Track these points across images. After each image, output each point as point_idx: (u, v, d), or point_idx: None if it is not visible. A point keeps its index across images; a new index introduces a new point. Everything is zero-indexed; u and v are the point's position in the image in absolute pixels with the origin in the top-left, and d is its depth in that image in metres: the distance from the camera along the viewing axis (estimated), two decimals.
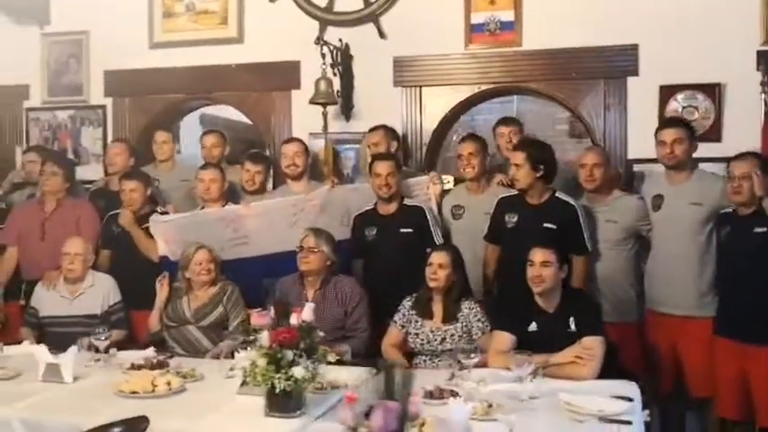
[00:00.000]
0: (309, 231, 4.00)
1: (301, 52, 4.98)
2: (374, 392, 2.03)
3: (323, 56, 4.51)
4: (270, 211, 4.46)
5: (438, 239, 4.20)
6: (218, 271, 4.16)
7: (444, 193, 4.47)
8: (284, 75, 5.10)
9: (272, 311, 2.73)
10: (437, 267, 3.64)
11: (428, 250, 4.02)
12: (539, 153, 3.93)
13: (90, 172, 5.34)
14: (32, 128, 5.59)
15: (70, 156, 5.48)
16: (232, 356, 3.37)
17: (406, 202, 4.28)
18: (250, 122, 5.54)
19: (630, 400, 2.85)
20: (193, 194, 5.00)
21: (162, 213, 4.59)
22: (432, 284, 3.66)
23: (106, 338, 3.47)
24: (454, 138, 5.25)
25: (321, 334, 2.71)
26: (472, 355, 3.09)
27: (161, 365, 3.36)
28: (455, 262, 3.68)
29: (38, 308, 4.29)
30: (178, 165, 5.20)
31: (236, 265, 4.34)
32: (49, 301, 4.26)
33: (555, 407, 2.71)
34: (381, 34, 4.90)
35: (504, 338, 3.41)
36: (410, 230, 4.18)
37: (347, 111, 4.93)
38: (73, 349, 3.23)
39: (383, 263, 4.15)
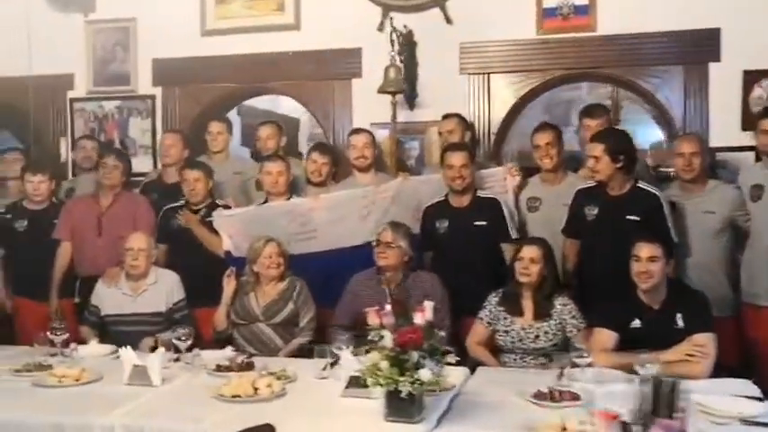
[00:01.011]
0: (387, 225, 3.93)
1: (362, 39, 4.91)
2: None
3: (391, 42, 4.39)
4: (339, 203, 4.41)
5: (513, 233, 4.15)
6: (288, 265, 4.09)
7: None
8: (344, 62, 5.05)
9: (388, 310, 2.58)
10: (529, 262, 3.56)
11: (501, 245, 4.06)
12: (618, 143, 3.87)
13: (138, 164, 5.19)
14: (77, 119, 5.52)
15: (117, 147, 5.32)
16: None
17: (480, 193, 4.22)
18: (290, 115, 5.43)
19: (761, 399, 2.72)
20: (248, 187, 4.91)
21: (223, 207, 4.53)
22: (523, 280, 3.57)
23: (187, 338, 3.33)
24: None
25: (441, 334, 2.57)
26: (585, 354, 2.95)
27: (248, 367, 3.23)
28: (547, 256, 3.60)
29: (98, 306, 4.21)
30: (231, 156, 5.05)
31: (302, 260, 4.25)
32: (111, 298, 4.20)
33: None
34: (448, 20, 4.80)
35: (607, 336, 3.35)
36: (484, 223, 4.12)
37: (411, 100, 4.81)
38: (160, 351, 3.11)
39: (455, 256, 4.09)
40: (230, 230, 4.45)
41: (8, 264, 4.71)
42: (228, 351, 3.61)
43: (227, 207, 4.54)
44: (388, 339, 2.47)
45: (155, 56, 5.35)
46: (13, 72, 5.53)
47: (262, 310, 4.04)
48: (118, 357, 3.58)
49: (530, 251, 3.56)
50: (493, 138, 4.80)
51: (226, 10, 5.19)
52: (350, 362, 2.91)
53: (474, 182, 4.19)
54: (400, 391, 2.46)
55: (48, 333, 3.52)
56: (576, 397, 2.74)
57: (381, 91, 4.56)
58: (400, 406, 2.50)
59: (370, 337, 2.59)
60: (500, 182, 4.27)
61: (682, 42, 4.48)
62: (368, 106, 4.88)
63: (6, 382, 3.15)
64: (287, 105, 6.79)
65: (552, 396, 2.75)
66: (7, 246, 4.68)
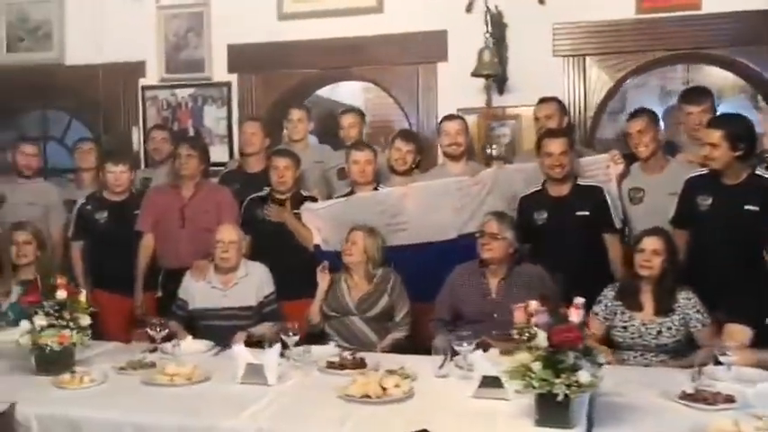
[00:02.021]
0: (492, 216, 3.85)
1: (448, 21, 4.77)
2: None
3: (486, 23, 4.22)
4: (432, 194, 4.36)
5: (618, 223, 4.06)
6: (381, 255, 4.02)
7: None
8: (429, 46, 4.94)
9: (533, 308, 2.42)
10: (651, 254, 3.45)
11: (605, 235, 3.94)
12: (738, 130, 3.71)
13: (214, 154, 5.12)
14: (150, 107, 5.50)
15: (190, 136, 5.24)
16: None
17: (581, 182, 4.12)
18: (348, 103, 5.30)
19: None
20: (329, 177, 4.80)
21: (309, 199, 4.49)
22: (644, 273, 3.45)
23: (295, 333, 3.22)
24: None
25: (591, 332, 2.41)
26: (728, 353, 2.78)
27: (361, 364, 3.12)
28: (669, 248, 3.40)
29: (187, 299, 4.16)
30: (311, 145, 4.93)
31: (392, 252, 4.16)
32: (200, 292, 4.17)
33: None
34: (541, 0, 4.56)
35: (742, 332, 3.16)
36: (586, 213, 4.02)
37: (501, 83, 4.68)
38: (276, 348, 2.98)
39: (555, 248, 3.96)
40: (318, 224, 4.42)
41: (88, 256, 4.64)
42: (332, 347, 3.50)
43: (313, 199, 4.49)
44: (542, 339, 2.32)
45: (229, 41, 5.29)
46: (84, 60, 5.50)
47: (355, 303, 3.99)
48: (216, 354, 3.54)
49: (652, 242, 3.44)
50: (589, 122, 4.60)
51: None
52: (481, 361, 2.75)
53: (573, 170, 4.06)
54: (555, 395, 2.31)
55: (147, 329, 3.44)
56: (730, 399, 2.59)
57: (475, 74, 4.46)
58: (554, 411, 2.38)
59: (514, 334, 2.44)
60: (603, 170, 4.15)
61: None
62: (454, 91, 4.81)
63: (112, 380, 3.08)
64: (344, 93, 6.68)
65: (704, 398, 2.59)
66: (88, 238, 4.64)
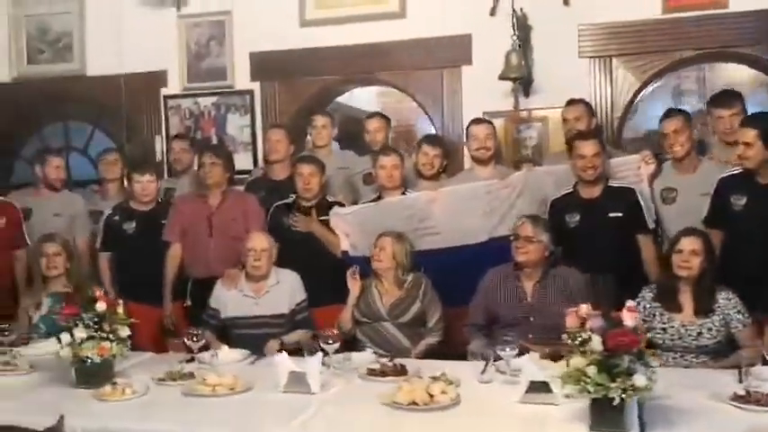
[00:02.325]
0: (526, 219, 3.85)
1: (472, 25, 4.76)
2: None
3: (513, 26, 4.21)
4: (461, 198, 4.36)
5: (650, 224, 4.04)
6: (410, 261, 4.01)
7: None
8: (454, 50, 4.93)
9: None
10: (689, 254, 3.44)
11: (638, 236, 3.92)
12: None
13: (238, 162, 5.07)
14: (172, 116, 5.49)
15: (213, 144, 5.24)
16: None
17: (612, 183, 4.10)
18: (362, 108, 5.30)
19: None
20: (353, 182, 4.80)
21: (336, 204, 4.49)
22: (683, 273, 3.44)
23: (334, 341, 3.21)
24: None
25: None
26: None
27: (402, 370, 3.11)
28: (707, 248, 3.38)
29: (218, 308, 4.14)
30: (335, 151, 4.92)
31: (421, 256, 4.15)
32: (232, 301, 4.16)
33: None
34: (565, 1, 4.59)
35: None
36: (619, 214, 4.00)
37: (526, 86, 4.67)
38: (318, 356, 2.98)
39: (588, 251, 3.93)
40: (347, 229, 4.42)
41: (115, 266, 4.64)
42: (370, 354, 3.49)
43: (339, 204, 4.48)
44: (596, 343, 2.31)
45: (252, 49, 5.30)
46: (105, 71, 5.51)
47: (387, 309, 3.98)
48: (253, 363, 3.53)
49: (690, 243, 3.43)
50: (616, 123, 4.59)
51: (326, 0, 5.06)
52: (529, 365, 2.74)
53: (604, 171, 4.03)
54: (610, 399, 2.30)
55: (184, 339, 3.44)
56: None
57: (503, 77, 4.44)
58: (608, 415, 2.37)
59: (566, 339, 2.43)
60: (634, 170, 4.13)
61: None
62: (479, 94, 4.80)
63: (153, 392, 3.07)
64: (360, 98, 6.67)
65: (757, 399, 2.57)
66: (116, 248, 4.63)
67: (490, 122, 4.44)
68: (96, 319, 3.15)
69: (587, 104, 4.37)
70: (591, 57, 4.68)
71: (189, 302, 4.51)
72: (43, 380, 3.29)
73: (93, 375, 3.12)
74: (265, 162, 5.01)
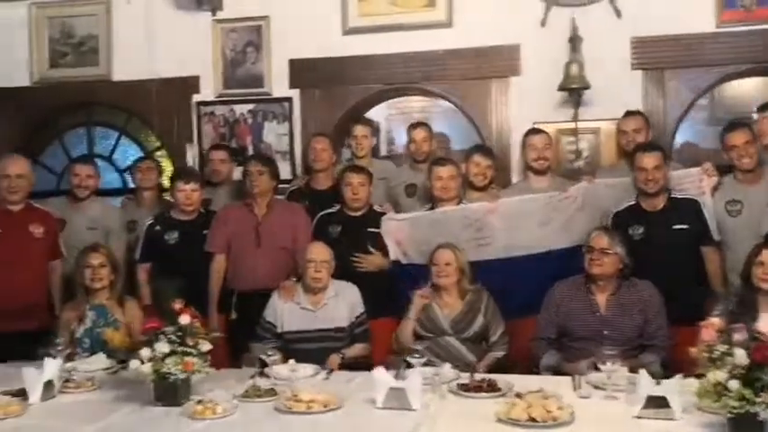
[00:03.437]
0: (601, 231, 3.85)
1: (521, 35, 4.72)
2: None
3: (571, 40, 4.18)
4: (519, 209, 4.25)
5: (716, 236, 4.03)
6: (470, 274, 3.97)
7: None
8: (502, 60, 4.87)
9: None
10: None
11: (702, 249, 3.95)
12: None
13: None
14: (205, 124, 5.32)
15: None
16: None
17: (675, 194, 4.07)
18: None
19: None
20: (395, 193, 4.75)
21: (383, 215, 4.42)
22: (764, 285, 3.37)
23: (422, 356, 3.13)
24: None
25: None
26: None
27: (492, 386, 3.03)
28: None
29: (274, 322, 4.00)
30: (374, 161, 4.87)
31: (477, 267, 4.07)
32: (290, 314, 4.05)
33: None
34: (617, 13, 4.56)
35: None
36: (684, 226, 3.99)
37: (576, 97, 4.58)
38: (418, 371, 2.89)
39: (653, 263, 3.88)
40: (399, 236, 4.35)
41: (154, 278, 4.49)
42: (450, 368, 3.40)
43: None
44: (740, 357, 2.27)
45: (291, 56, 5.18)
46: (133, 76, 5.36)
47: (450, 323, 3.90)
48: (326, 378, 3.43)
49: None
50: (669, 136, 4.61)
51: (370, 7, 5.03)
52: (646, 380, 2.69)
53: (666, 183, 4.02)
54: (753, 414, 2.26)
55: (259, 354, 3.33)
56: None
57: (563, 88, 4.41)
58: (747, 429, 2.30)
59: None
60: (695, 183, 4.11)
61: None
62: (527, 105, 4.79)
63: (241, 409, 2.93)
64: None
65: None
66: (157, 259, 4.47)
67: (547, 133, 4.41)
68: (179, 333, 3.04)
69: (645, 116, 4.37)
70: (644, 69, 4.67)
71: (234, 315, 4.40)
72: (113, 398, 3.16)
73: (173, 392, 2.99)
74: (306, 171, 4.92)
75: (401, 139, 6.32)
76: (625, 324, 3.64)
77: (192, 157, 5.25)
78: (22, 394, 3.13)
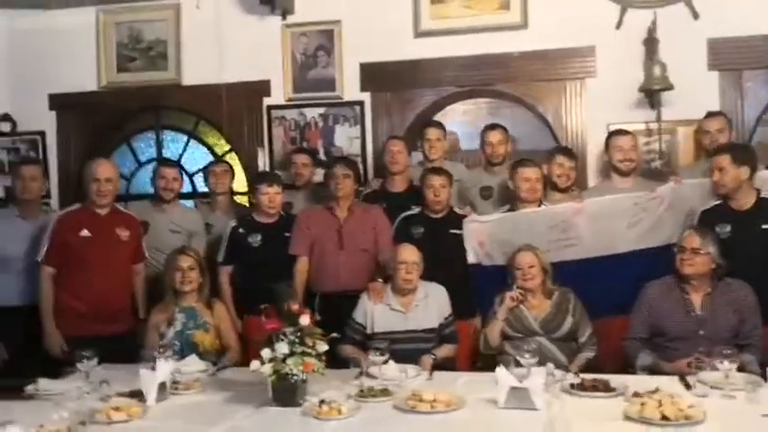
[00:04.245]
0: (693, 230, 3.86)
1: (596, 37, 4.77)
2: None
3: (646, 42, 4.22)
4: (606, 209, 4.28)
5: None
6: (551, 275, 4.01)
7: None
8: (577, 62, 4.92)
9: None
10: None
11: None
12: None
13: None
14: (276, 127, 5.34)
15: (322, 158, 5.14)
16: None
17: (765, 194, 4.06)
18: None
19: None
20: (468, 195, 4.79)
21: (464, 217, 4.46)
22: None
23: (534, 355, 3.15)
24: None
25: None
26: None
27: (607, 386, 3.05)
28: None
29: (364, 323, 4.05)
30: (446, 163, 4.89)
31: (559, 268, 4.11)
32: (380, 315, 4.07)
33: None
34: (694, 14, 4.59)
35: None
36: None
37: (653, 98, 4.60)
38: (542, 370, 2.91)
39: (742, 263, 3.86)
40: (481, 237, 4.38)
41: (237, 280, 4.52)
42: (552, 368, 3.40)
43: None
44: None
45: (362, 60, 5.22)
46: (202, 80, 5.40)
47: (540, 324, 3.93)
48: (429, 378, 3.45)
49: None
50: (748, 137, 4.62)
51: (443, 10, 5.06)
52: None
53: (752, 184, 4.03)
54: None
55: (370, 354, 3.37)
56: None
57: (643, 89, 4.41)
58: None
59: None
60: None
61: None
62: (602, 107, 4.82)
63: (363, 408, 2.95)
64: None
65: None
66: (240, 262, 4.50)
67: (633, 134, 4.42)
68: (299, 334, 3.07)
69: (727, 117, 4.39)
70: (721, 70, 4.69)
71: (318, 317, 4.42)
72: (225, 399, 3.20)
73: (292, 393, 3.02)
74: (378, 174, 4.96)
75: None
76: (721, 324, 3.64)
77: (263, 160, 5.29)
78: (137, 395, 3.15)
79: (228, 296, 4.51)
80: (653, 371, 3.64)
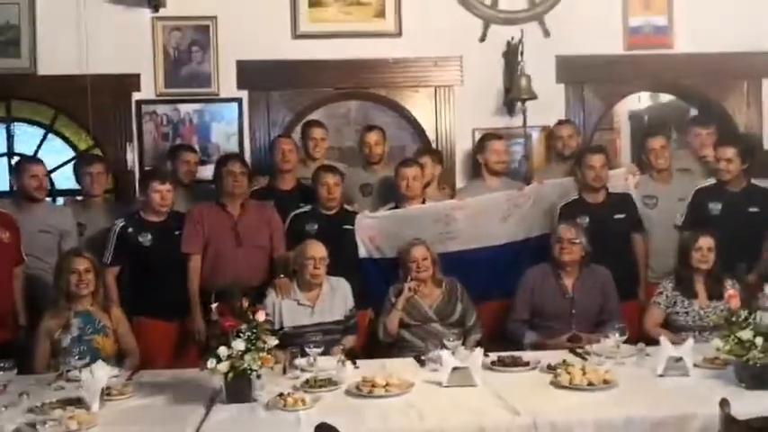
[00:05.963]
0: (568, 224, 4.38)
1: (463, 48, 5.24)
2: None
3: (520, 54, 4.78)
4: (484, 206, 4.78)
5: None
6: (437, 267, 4.41)
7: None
8: (446, 70, 5.34)
9: None
10: (706, 251, 4.11)
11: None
12: None
13: None
14: (147, 122, 5.15)
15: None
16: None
17: (612, 190, 4.76)
18: None
19: None
20: (347, 192, 4.99)
21: (355, 213, 4.73)
22: (702, 267, 4.12)
23: (455, 338, 3.52)
24: None
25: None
26: None
27: (525, 362, 3.52)
28: (718, 244, 4.14)
29: (272, 318, 4.11)
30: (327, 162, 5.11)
31: (444, 258, 4.53)
32: (288, 310, 4.20)
33: None
34: (546, 33, 5.22)
35: None
36: (622, 216, 4.68)
37: (510, 106, 5.19)
38: (480, 351, 3.27)
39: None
40: (372, 232, 4.69)
41: (128, 281, 4.39)
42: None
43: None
44: (767, 318, 2.94)
45: (238, 57, 5.23)
46: (61, 70, 5.09)
47: (434, 311, 4.31)
48: (358, 367, 3.61)
49: (707, 241, 4.15)
50: (589, 141, 5.36)
51: (321, 14, 5.22)
52: (665, 345, 3.30)
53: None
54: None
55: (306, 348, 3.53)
56: None
57: (514, 99, 4.97)
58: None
59: None
60: (622, 181, 4.82)
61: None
62: (470, 113, 5.31)
63: (324, 399, 3.11)
64: None
65: None
66: (131, 262, 4.37)
67: (504, 139, 4.95)
68: (255, 331, 3.13)
69: (575, 124, 5.09)
70: (566, 83, 5.38)
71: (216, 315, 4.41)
72: (168, 401, 3.17)
73: (247, 389, 3.10)
74: (260, 171, 5.01)
75: None
76: (588, 304, 4.26)
77: (131, 156, 5.10)
78: (73, 403, 3.04)
79: (115, 297, 4.31)
80: (537, 347, 4.20)
